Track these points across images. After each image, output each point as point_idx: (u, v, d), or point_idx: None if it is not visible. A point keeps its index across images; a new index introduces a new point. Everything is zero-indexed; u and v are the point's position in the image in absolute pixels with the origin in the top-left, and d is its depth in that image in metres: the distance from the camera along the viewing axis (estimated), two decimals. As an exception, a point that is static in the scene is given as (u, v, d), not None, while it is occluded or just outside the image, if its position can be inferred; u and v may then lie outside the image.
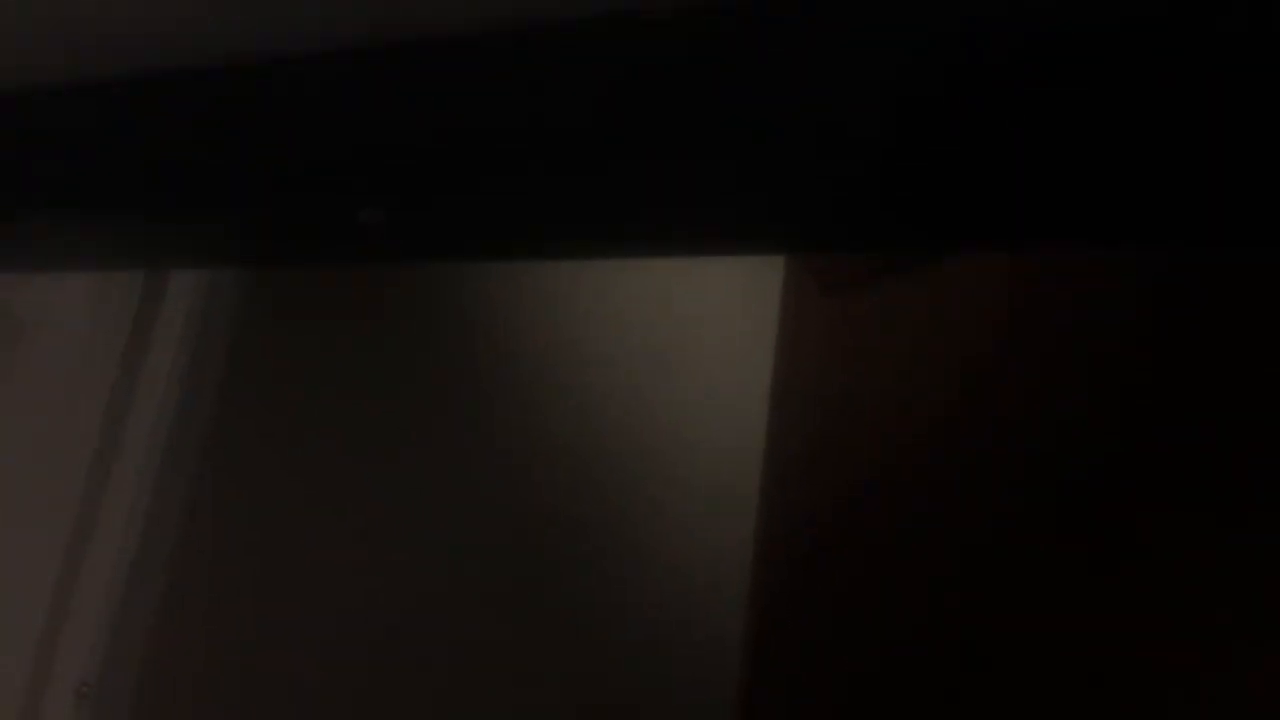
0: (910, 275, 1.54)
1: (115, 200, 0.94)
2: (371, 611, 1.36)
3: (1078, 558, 1.27)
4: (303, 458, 1.32)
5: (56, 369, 1.29)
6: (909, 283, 1.54)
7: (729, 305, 1.79)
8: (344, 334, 1.37)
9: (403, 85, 0.81)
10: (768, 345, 1.68)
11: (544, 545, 1.55)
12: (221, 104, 0.81)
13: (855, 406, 1.58)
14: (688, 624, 1.67)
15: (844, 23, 0.66)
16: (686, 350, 1.74)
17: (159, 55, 0.82)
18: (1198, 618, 1.14)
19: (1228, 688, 1.11)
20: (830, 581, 1.53)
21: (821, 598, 1.53)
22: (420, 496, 1.43)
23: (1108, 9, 0.60)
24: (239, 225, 0.97)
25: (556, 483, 1.57)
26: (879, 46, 0.66)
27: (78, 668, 1.17)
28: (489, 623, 1.47)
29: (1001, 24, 0.62)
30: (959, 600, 1.38)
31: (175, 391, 1.25)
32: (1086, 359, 1.34)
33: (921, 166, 0.75)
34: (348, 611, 1.34)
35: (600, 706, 1.58)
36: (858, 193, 0.80)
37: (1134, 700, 1.18)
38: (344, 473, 1.36)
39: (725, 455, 1.73)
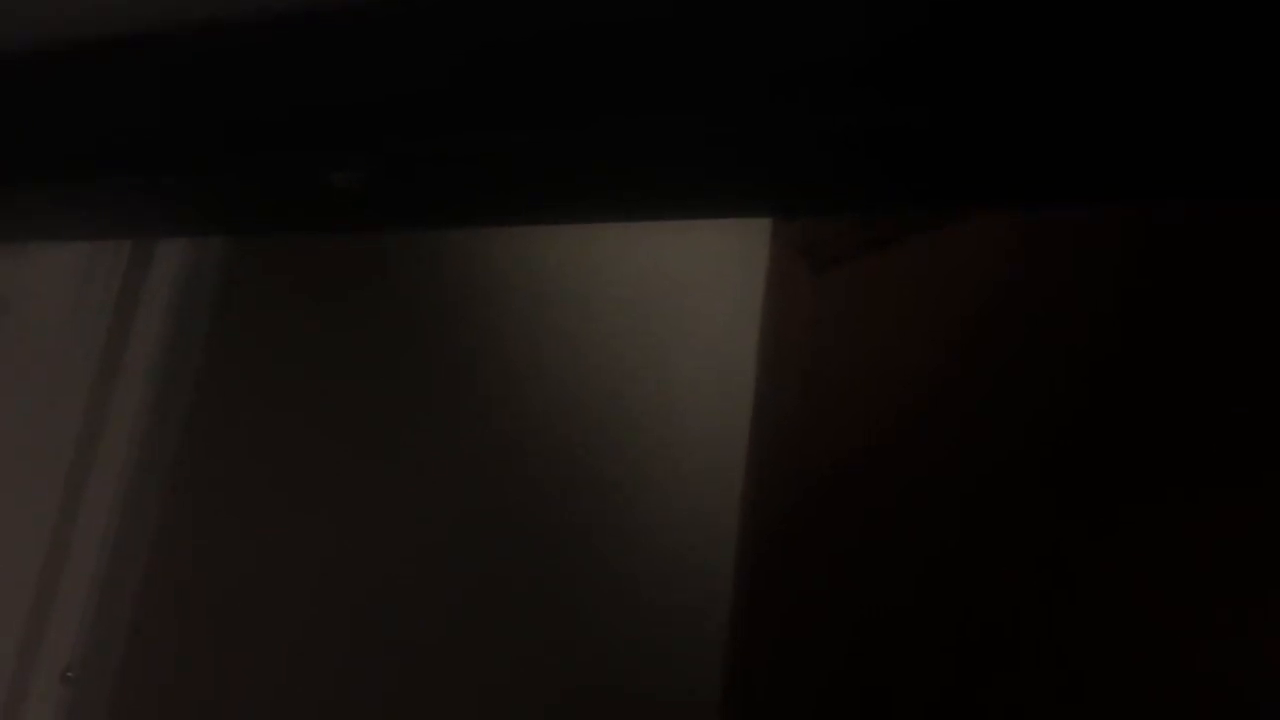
0: (896, 248, 1.53)
1: (80, 168, 0.92)
2: (352, 593, 1.35)
3: (1068, 531, 1.26)
4: (285, 439, 1.32)
5: (40, 347, 1.27)
6: (895, 255, 1.53)
7: (715, 278, 1.78)
8: (331, 308, 1.36)
9: (377, 41, 0.79)
10: (754, 319, 1.67)
11: (527, 522, 1.55)
12: (186, 65, 0.79)
13: (841, 380, 1.58)
14: (673, 598, 1.66)
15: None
16: (672, 323, 1.73)
17: (125, 19, 0.80)
18: (1195, 595, 1.13)
19: (1218, 668, 1.09)
20: (816, 557, 1.52)
21: (807, 572, 1.53)
22: (401, 471, 1.42)
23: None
24: (206, 192, 0.95)
25: (540, 460, 1.57)
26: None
27: (65, 652, 1.17)
28: (468, 599, 1.47)
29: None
30: (948, 574, 1.37)
31: (160, 370, 1.24)
32: (1078, 328, 1.33)
33: (909, 120, 0.72)
34: (328, 592, 1.33)
35: (585, 682, 1.58)
36: (843, 150, 0.78)
37: (1122, 685, 1.17)
38: (326, 452, 1.35)
39: (712, 429, 1.73)
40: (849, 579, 1.47)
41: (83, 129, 0.93)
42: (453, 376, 1.48)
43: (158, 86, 0.86)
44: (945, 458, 1.42)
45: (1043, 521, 1.28)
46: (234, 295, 1.27)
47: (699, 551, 1.68)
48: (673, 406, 1.71)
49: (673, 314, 1.73)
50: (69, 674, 1.15)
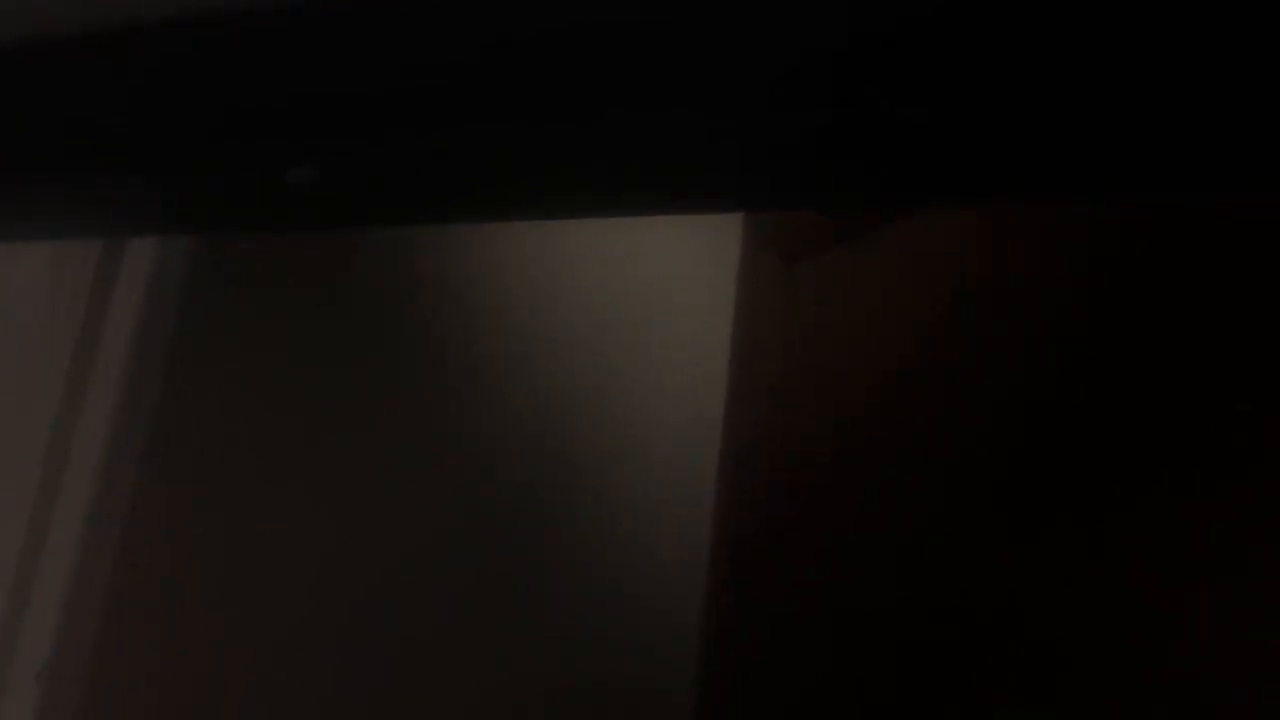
0: (868, 238, 1.53)
1: (34, 167, 0.92)
2: (322, 591, 1.35)
3: (1049, 523, 1.26)
4: (258, 437, 1.32)
5: (11, 348, 1.28)
6: (866, 246, 1.53)
7: (686, 273, 1.78)
8: (304, 306, 1.36)
9: (332, 31, 0.79)
10: (726, 313, 1.67)
11: (497, 519, 1.55)
12: (135, 61, 0.79)
13: (815, 372, 1.58)
14: (645, 595, 1.66)
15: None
16: (644, 318, 1.73)
17: (77, 15, 0.80)
18: (1184, 587, 1.13)
19: (1208, 660, 1.09)
20: (791, 552, 1.52)
21: (782, 566, 1.53)
22: (372, 467, 1.42)
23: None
24: (173, 192, 0.94)
25: (511, 456, 1.57)
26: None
27: (40, 652, 1.17)
28: (446, 601, 1.47)
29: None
30: (926, 568, 1.37)
31: (132, 370, 1.24)
32: (1053, 316, 1.33)
33: (908, 113, 0.72)
34: (300, 591, 1.34)
35: (557, 679, 1.58)
36: (821, 143, 0.77)
37: (1109, 678, 1.17)
38: (300, 450, 1.35)
39: (685, 424, 1.73)
40: (825, 574, 1.47)
41: (45, 128, 0.93)
42: (421, 374, 1.48)
43: (124, 84, 0.86)
44: (922, 449, 1.42)
45: (1022, 513, 1.28)
46: (207, 293, 1.27)
47: (672, 548, 1.68)
48: (646, 402, 1.71)
49: (644, 309, 1.72)
50: (42, 672, 1.16)
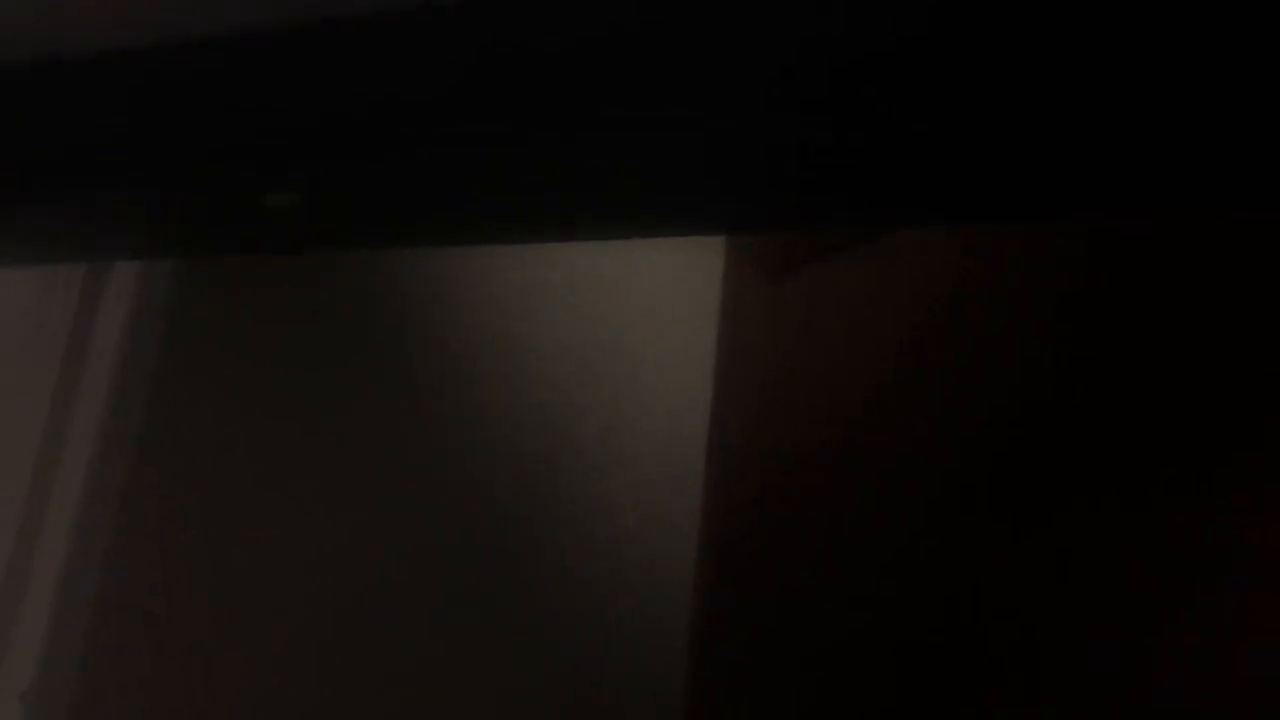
0: (850, 253, 1.53)
1: (15, 192, 0.92)
2: (316, 604, 1.35)
3: (1034, 531, 1.26)
4: (246, 452, 1.31)
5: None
6: (849, 261, 1.54)
7: (671, 292, 1.78)
8: (291, 325, 1.36)
9: (313, 60, 0.79)
10: (711, 328, 1.67)
11: (486, 534, 1.54)
12: (116, 87, 0.79)
13: (799, 387, 1.58)
14: (634, 607, 1.66)
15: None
16: (629, 335, 1.73)
17: (56, 41, 0.80)
18: (1173, 594, 1.14)
19: (1201, 665, 1.10)
20: (777, 562, 1.53)
21: (769, 578, 1.53)
22: (359, 483, 1.42)
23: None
24: (139, 214, 0.94)
25: (499, 473, 1.56)
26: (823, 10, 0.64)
27: (25, 671, 1.17)
28: (435, 608, 1.47)
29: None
30: (912, 578, 1.37)
31: (117, 390, 1.24)
32: (1034, 333, 1.33)
33: (874, 136, 0.72)
34: (287, 608, 1.33)
35: (547, 691, 1.58)
36: (804, 167, 0.78)
37: (1100, 687, 1.17)
38: (287, 465, 1.35)
39: (671, 440, 1.73)
40: (811, 585, 1.47)
41: (26, 153, 0.92)
42: (407, 388, 1.48)
43: (106, 109, 0.85)
44: (908, 461, 1.42)
45: (1012, 522, 1.28)
46: (193, 308, 1.27)
47: (659, 561, 1.68)
48: (631, 415, 1.71)
49: (629, 322, 1.73)
50: (24, 693, 1.15)
